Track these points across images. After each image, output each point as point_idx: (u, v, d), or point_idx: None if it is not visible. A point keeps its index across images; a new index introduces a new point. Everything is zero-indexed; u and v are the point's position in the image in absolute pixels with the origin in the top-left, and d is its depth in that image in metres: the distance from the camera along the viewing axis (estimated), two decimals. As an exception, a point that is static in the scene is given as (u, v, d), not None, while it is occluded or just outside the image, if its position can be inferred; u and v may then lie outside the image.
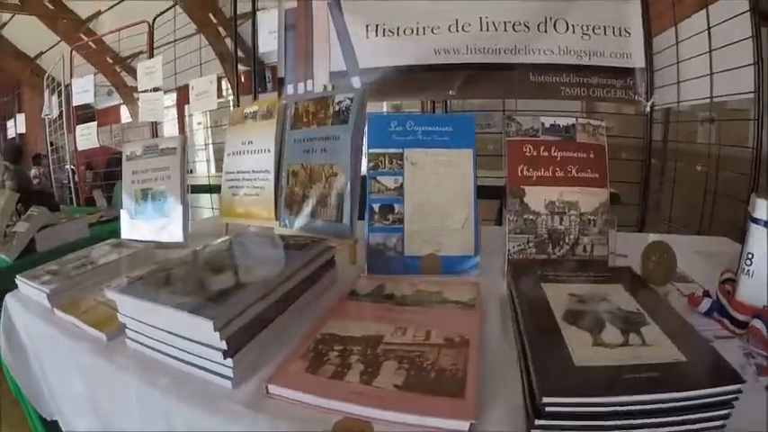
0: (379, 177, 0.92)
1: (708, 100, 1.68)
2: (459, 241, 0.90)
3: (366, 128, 0.99)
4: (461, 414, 0.44)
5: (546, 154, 0.88)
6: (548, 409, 0.40)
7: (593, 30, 1.73)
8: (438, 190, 0.91)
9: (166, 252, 1.09)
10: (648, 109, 1.77)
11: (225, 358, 0.54)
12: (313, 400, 0.49)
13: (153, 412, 0.58)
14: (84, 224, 1.55)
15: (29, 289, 0.89)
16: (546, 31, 1.76)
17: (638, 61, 1.72)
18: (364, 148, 0.98)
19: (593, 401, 0.40)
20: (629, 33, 1.71)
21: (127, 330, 0.66)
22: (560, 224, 0.86)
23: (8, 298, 0.93)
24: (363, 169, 0.97)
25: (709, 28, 1.64)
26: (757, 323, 0.60)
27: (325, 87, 1.91)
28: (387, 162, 0.92)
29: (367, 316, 0.69)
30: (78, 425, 0.78)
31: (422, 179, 0.92)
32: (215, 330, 0.53)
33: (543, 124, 0.90)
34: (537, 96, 1.86)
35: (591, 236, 0.86)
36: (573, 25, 1.73)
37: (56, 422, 0.86)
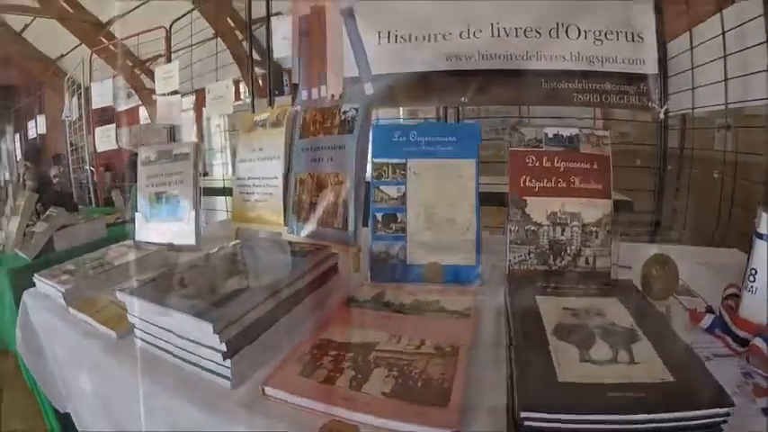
0: (382, 186, 0.93)
1: (723, 106, 1.64)
2: (462, 251, 0.90)
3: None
4: (444, 423, 0.44)
5: (549, 164, 0.88)
6: (526, 423, 0.40)
7: (606, 35, 1.70)
8: (441, 200, 0.92)
9: (179, 254, 1.12)
10: (662, 116, 1.73)
11: (224, 360, 0.57)
12: (304, 403, 0.51)
13: (157, 409, 0.60)
14: (102, 225, 1.60)
15: (46, 287, 0.93)
16: (558, 37, 1.75)
17: (651, 67, 1.68)
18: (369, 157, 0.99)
19: (572, 419, 0.40)
20: (642, 39, 1.68)
21: (136, 330, 0.69)
22: (562, 235, 0.86)
23: (26, 295, 0.97)
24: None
25: (723, 32, 1.60)
26: (759, 342, 0.58)
27: (332, 96, 1.93)
28: (390, 171, 0.94)
29: (364, 323, 0.71)
30: (89, 419, 0.82)
31: (425, 189, 0.93)
32: (214, 333, 0.55)
33: (547, 135, 0.90)
34: (549, 103, 1.84)
35: (593, 247, 0.85)
36: (585, 31, 1.71)
37: (69, 414, 0.90)
